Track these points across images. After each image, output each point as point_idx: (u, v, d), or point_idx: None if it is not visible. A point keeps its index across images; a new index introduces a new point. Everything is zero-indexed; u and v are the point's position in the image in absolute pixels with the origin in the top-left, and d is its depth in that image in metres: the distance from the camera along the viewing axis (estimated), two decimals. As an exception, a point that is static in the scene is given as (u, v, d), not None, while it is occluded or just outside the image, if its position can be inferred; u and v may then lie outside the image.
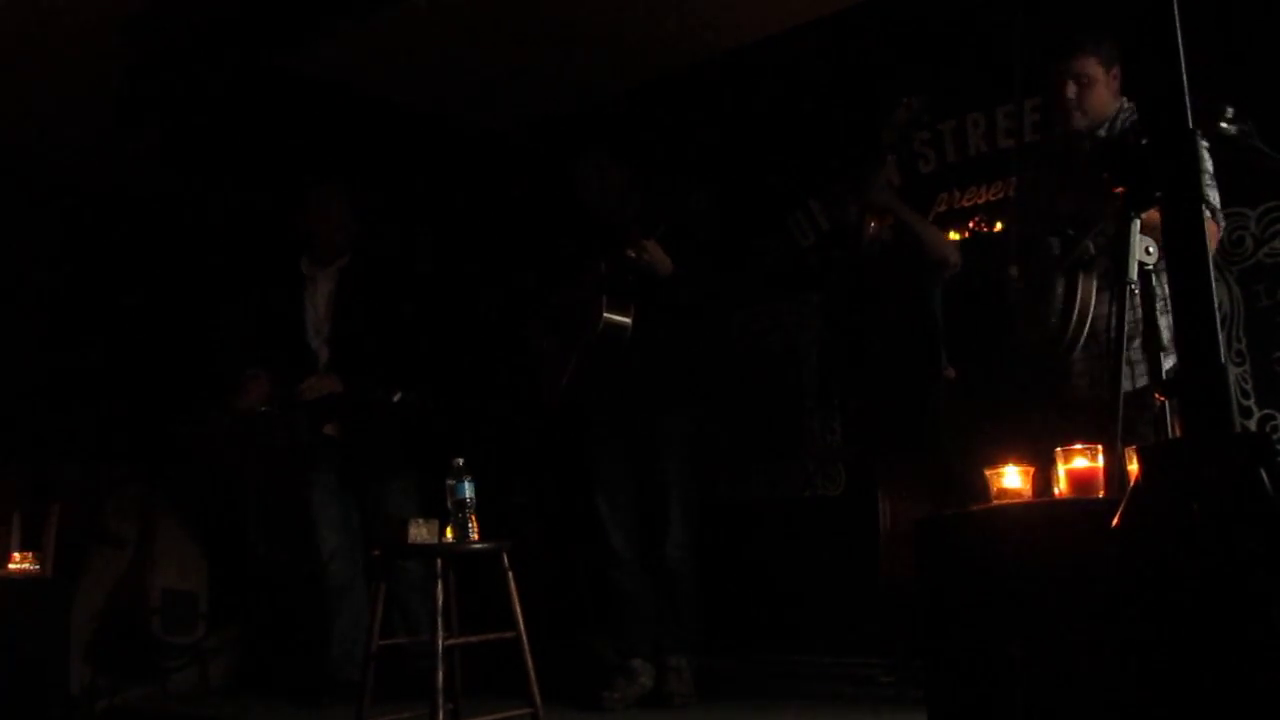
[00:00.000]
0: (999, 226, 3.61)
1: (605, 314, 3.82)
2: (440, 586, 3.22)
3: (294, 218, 4.57)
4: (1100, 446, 2.20)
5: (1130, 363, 2.95)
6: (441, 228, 5.44)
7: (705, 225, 3.72)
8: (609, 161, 4.09)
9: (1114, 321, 2.27)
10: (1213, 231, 3.00)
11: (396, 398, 4.32)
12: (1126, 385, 2.53)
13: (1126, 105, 3.19)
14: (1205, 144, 2.55)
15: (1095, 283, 2.99)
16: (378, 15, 4.31)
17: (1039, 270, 3.03)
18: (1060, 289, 2.98)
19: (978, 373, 3.63)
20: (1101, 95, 3.18)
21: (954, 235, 3.81)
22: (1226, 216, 3.70)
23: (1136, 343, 2.89)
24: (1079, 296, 2.97)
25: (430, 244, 5.44)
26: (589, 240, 4.11)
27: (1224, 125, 2.35)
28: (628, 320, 3.86)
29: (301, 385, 4.39)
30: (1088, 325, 2.98)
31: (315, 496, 4.43)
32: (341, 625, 4.36)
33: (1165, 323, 2.75)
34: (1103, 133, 3.17)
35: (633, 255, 3.76)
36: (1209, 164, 3.00)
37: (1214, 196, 3.01)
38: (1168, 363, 2.62)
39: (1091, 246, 2.97)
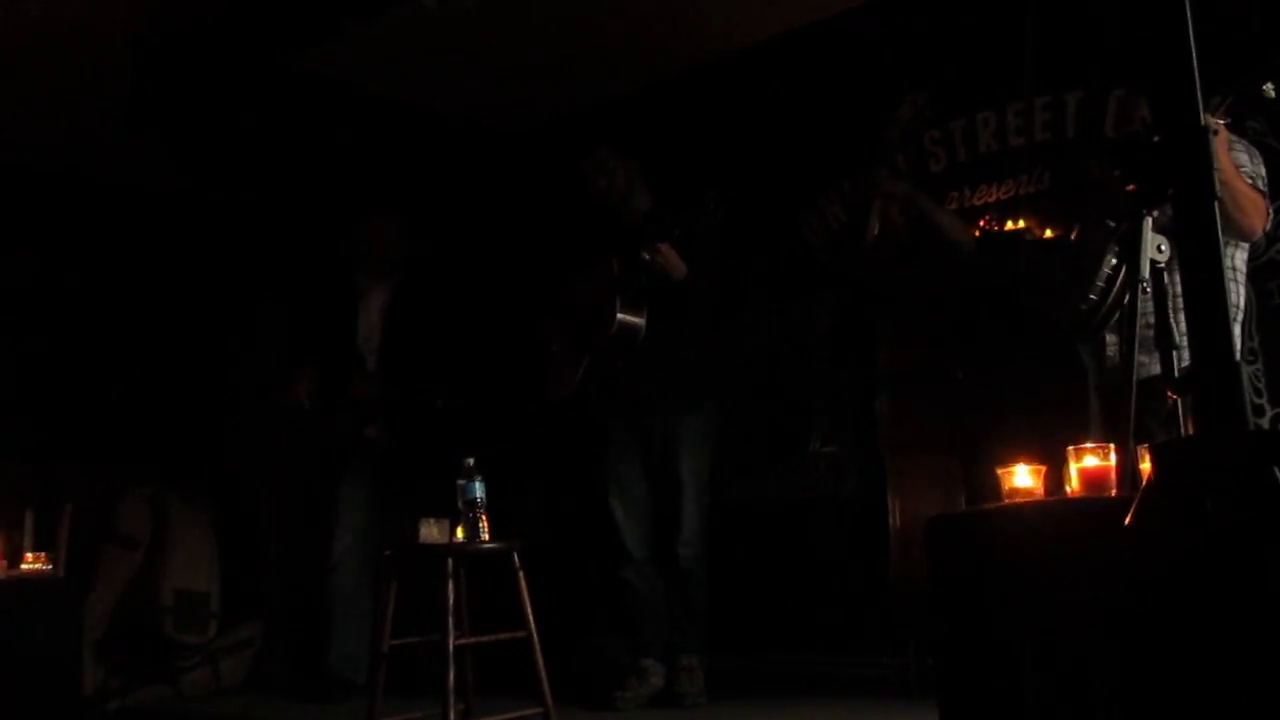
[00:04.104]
0: (1010, 225, 3.60)
1: (619, 315, 3.83)
2: (451, 586, 3.23)
3: (348, 236, 4.80)
4: (1112, 445, 2.19)
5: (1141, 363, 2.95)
6: (451, 225, 5.45)
7: (716, 228, 3.71)
8: (614, 158, 4.11)
9: (1126, 321, 2.27)
10: (1258, 203, 2.96)
11: (439, 403, 4.42)
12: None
13: None
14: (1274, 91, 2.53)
15: None
16: (387, 16, 4.32)
17: (1089, 250, 3.01)
18: (1110, 262, 2.95)
19: (990, 371, 3.62)
20: None
21: (965, 234, 3.80)
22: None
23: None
24: (1124, 272, 2.95)
25: (442, 241, 5.47)
26: (599, 236, 4.12)
27: (1266, 88, 2.35)
28: (641, 321, 3.87)
29: (352, 385, 4.53)
30: (1125, 301, 2.97)
31: (343, 497, 4.49)
32: (342, 626, 4.37)
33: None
34: None
35: (647, 258, 3.75)
36: (1253, 157, 3.00)
37: (1246, 160, 3.00)
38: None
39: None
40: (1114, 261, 2.95)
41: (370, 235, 4.73)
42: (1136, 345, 2.31)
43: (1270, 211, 3.09)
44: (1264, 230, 3.10)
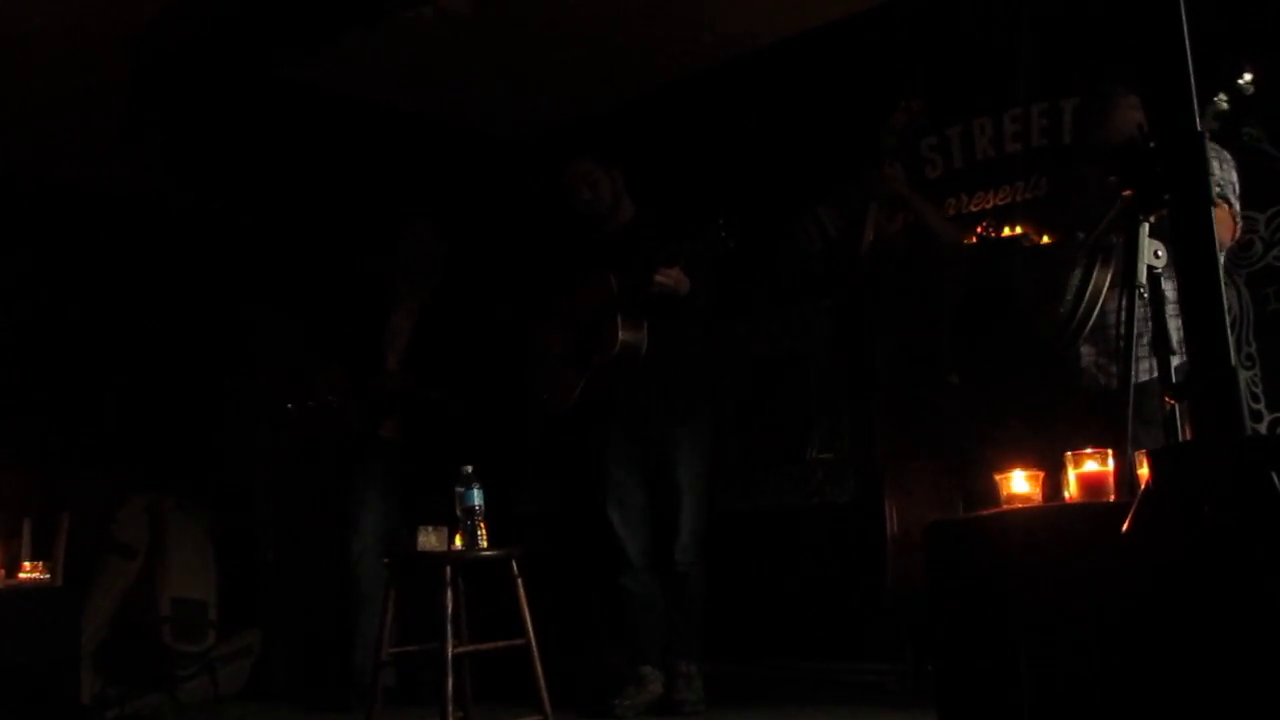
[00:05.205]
0: (1007, 231, 3.61)
1: (621, 335, 3.81)
2: (449, 594, 3.22)
3: (386, 241, 4.81)
4: (1111, 450, 2.19)
5: (1139, 358, 2.95)
6: (450, 231, 5.46)
7: (724, 249, 3.68)
8: (597, 169, 4.08)
9: (1124, 327, 2.27)
10: (1220, 216, 2.95)
11: (435, 396, 4.43)
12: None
13: None
14: (1226, 103, 2.54)
15: (1109, 276, 2.99)
16: (385, 25, 4.33)
17: (1060, 261, 3.02)
18: (1077, 274, 2.98)
19: (985, 377, 3.63)
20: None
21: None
22: (1235, 220, 3.70)
23: (1145, 339, 2.88)
24: (1092, 283, 2.97)
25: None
26: (587, 247, 4.10)
27: (1242, 82, 2.35)
28: (642, 338, 3.85)
29: (368, 382, 4.55)
30: (1095, 313, 2.98)
31: (358, 496, 4.48)
32: (365, 629, 4.34)
33: (1174, 325, 2.75)
34: None
35: (661, 280, 3.73)
36: (1222, 164, 3.00)
37: (1215, 168, 2.99)
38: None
39: (1114, 238, 2.97)
40: (1080, 274, 2.97)
41: (405, 241, 4.74)
42: (1135, 351, 2.31)
43: (1239, 220, 3.09)
44: (1234, 239, 3.09)
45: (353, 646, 4.36)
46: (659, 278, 3.71)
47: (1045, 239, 3.43)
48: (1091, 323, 3.00)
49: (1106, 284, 2.99)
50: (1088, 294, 2.97)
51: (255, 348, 5.95)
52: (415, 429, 4.59)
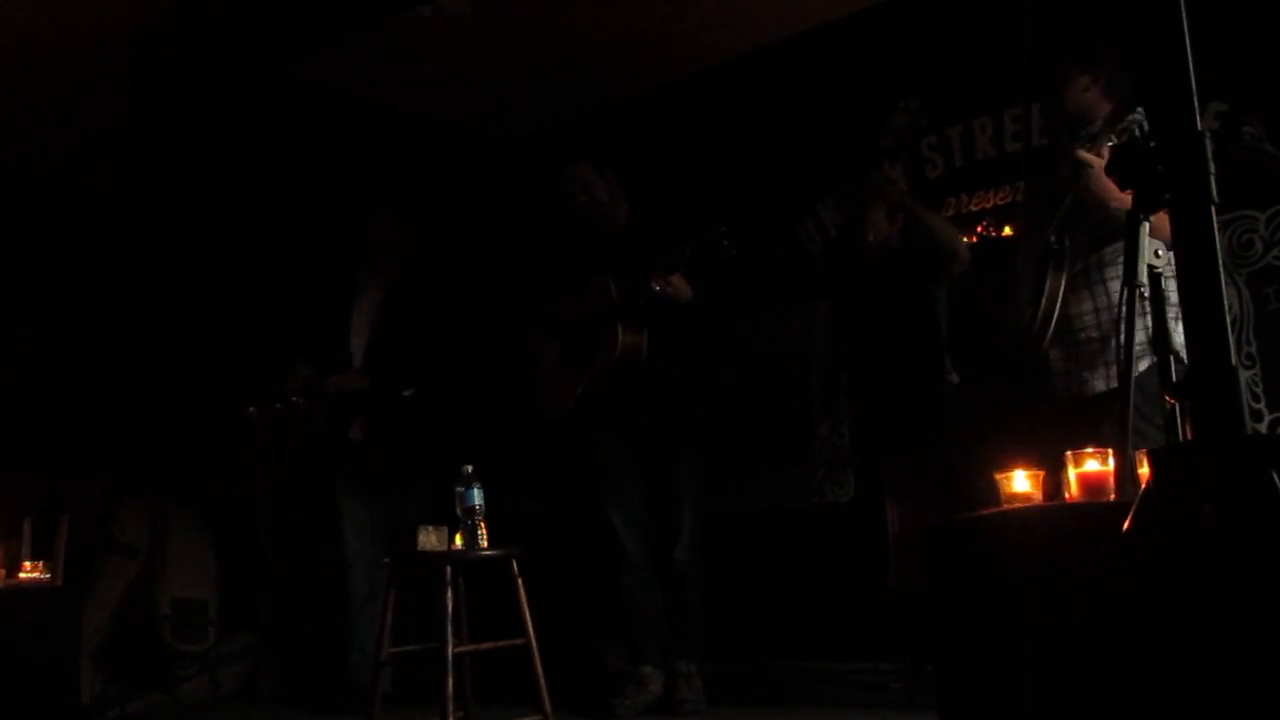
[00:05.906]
0: (1007, 231, 3.61)
1: (622, 340, 3.80)
2: (450, 594, 3.22)
3: (353, 229, 4.71)
4: (1111, 450, 2.19)
5: (1109, 363, 2.96)
6: (444, 229, 5.46)
7: (726, 257, 3.67)
8: (592, 172, 4.08)
9: (1123, 326, 2.27)
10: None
11: (407, 393, 4.37)
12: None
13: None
14: None
15: (1064, 280, 2.99)
16: (385, 25, 4.33)
17: (1016, 266, 3.03)
18: (1030, 283, 2.98)
19: (982, 377, 3.63)
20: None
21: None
22: (1235, 220, 3.71)
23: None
24: (1046, 290, 2.97)
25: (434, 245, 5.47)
26: (584, 251, 4.10)
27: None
28: (642, 343, 3.85)
29: (330, 378, 4.47)
30: (1054, 319, 2.98)
31: (341, 501, 4.45)
32: (362, 632, 4.34)
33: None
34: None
35: (658, 289, 3.72)
36: None
37: None
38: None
39: (1067, 242, 2.97)
40: (1033, 280, 2.96)
41: (373, 226, 4.64)
42: (1133, 352, 2.31)
43: None
44: None
45: (348, 649, 4.36)
46: (656, 286, 3.70)
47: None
48: (1053, 329, 2.99)
49: (1062, 289, 2.99)
50: (1044, 301, 2.96)
51: (253, 348, 5.96)
52: (381, 429, 4.47)
